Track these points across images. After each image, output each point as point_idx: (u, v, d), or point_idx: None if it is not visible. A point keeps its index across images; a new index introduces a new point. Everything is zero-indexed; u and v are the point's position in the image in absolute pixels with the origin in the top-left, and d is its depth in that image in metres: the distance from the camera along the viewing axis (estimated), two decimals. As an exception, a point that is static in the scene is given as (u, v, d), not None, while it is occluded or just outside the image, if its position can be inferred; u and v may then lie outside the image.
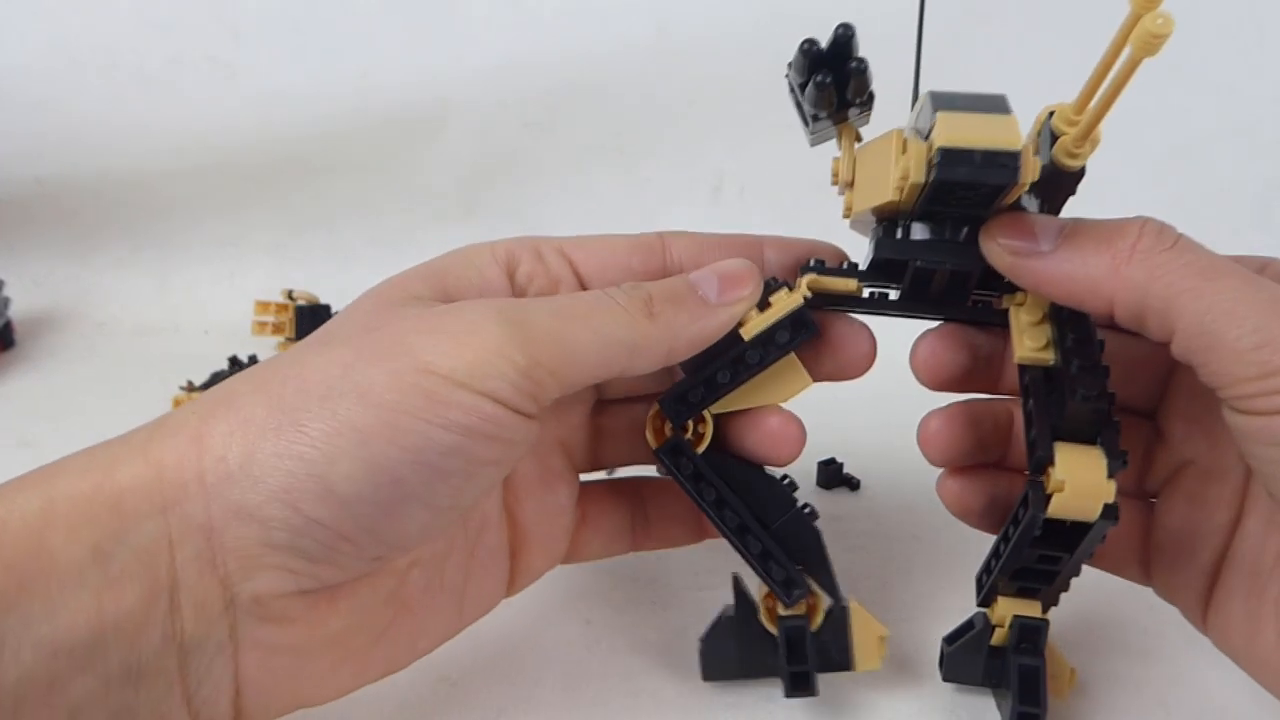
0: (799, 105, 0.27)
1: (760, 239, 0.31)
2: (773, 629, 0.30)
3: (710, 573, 0.36)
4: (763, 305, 0.28)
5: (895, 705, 0.30)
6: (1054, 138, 0.25)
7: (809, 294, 0.28)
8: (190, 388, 0.49)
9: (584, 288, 0.29)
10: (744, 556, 0.29)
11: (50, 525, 0.21)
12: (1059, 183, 0.26)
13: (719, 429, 0.30)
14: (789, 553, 0.29)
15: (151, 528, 0.21)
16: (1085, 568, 0.28)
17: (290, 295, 0.61)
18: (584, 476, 0.32)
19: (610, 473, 0.41)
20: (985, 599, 0.29)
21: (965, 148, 0.23)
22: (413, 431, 0.22)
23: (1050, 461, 0.25)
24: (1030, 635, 0.28)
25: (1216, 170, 0.63)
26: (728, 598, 0.31)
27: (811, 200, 0.68)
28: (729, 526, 0.29)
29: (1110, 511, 0.25)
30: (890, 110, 0.28)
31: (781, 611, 0.29)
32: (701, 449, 0.29)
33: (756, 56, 0.66)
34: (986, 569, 0.29)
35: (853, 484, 0.44)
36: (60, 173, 0.68)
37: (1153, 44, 0.21)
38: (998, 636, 0.29)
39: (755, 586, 0.30)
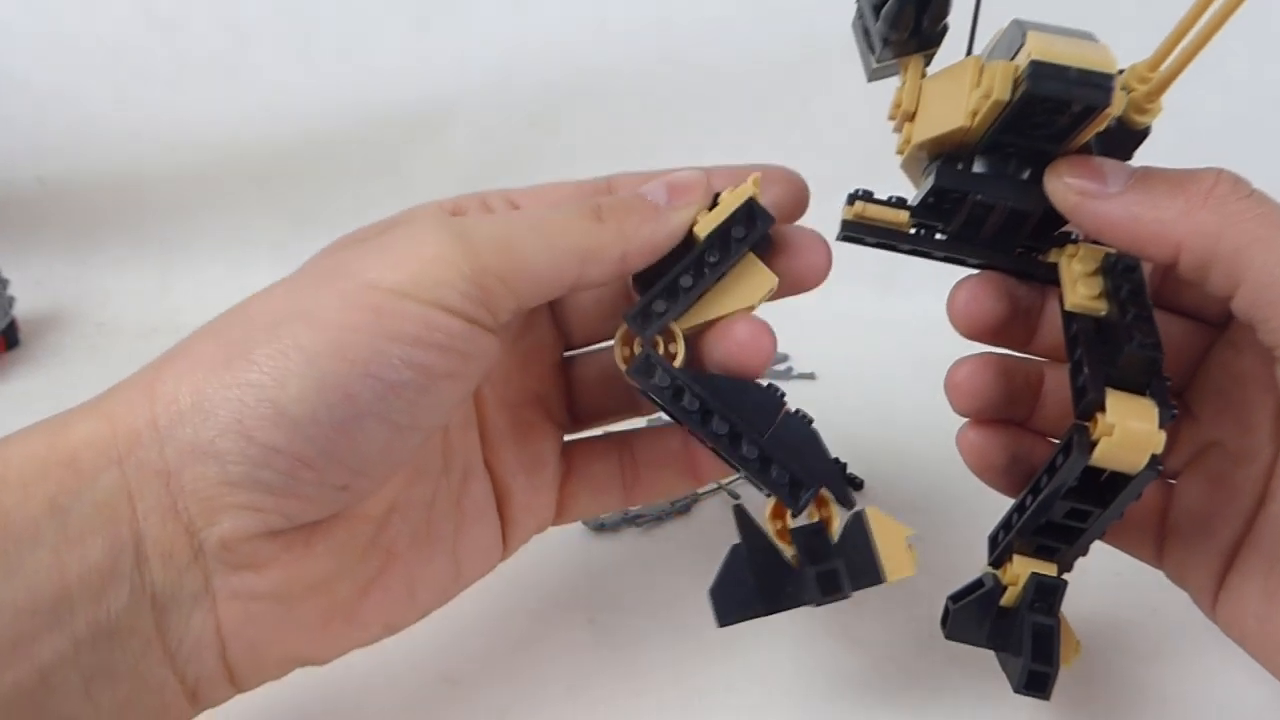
0: (866, 33, 0.27)
1: (706, 171, 0.30)
2: (788, 549, 0.27)
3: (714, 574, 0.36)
4: (712, 205, 0.28)
5: (899, 704, 0.30)
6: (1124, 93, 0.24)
7: (755, 189, 0.28)
8: (193, 387, 0.49)
9: None
10: (740, 467, 0.27)
11: (2, 484, 0.20)
12: (1121, 141, 0.25)
13: (690, 350, 0.28)
14: (795, 463, 0.27)
15: (109, 479, 0.21)
16: (1094, 551, 0.28)
17: (293, 295, 0.61)
18: (574, 436, 0.32)
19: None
20: (998, 558, 0.28)
21: (1060, 63, 0.22)
22: (360, 345, 0.22)
23: (1100, 406, 0.24)
24: (1047, 594, 0.27)
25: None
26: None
27: (813, 200, 0.68)
28: (719, 433, 0.26)
29: (1155, 463, 0.24)
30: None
31: (793, 524, 0.27)
32: (677, 364, 0.27)
33: (759, 57, 0.66)
34: (1005, 526, 0.28)
35: (856, 484, 0.43)
36: (63, 172, 0.68)
37: None
38: (1008, 597, 0.28)
39: (759, 515, 0.28)
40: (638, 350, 0.27)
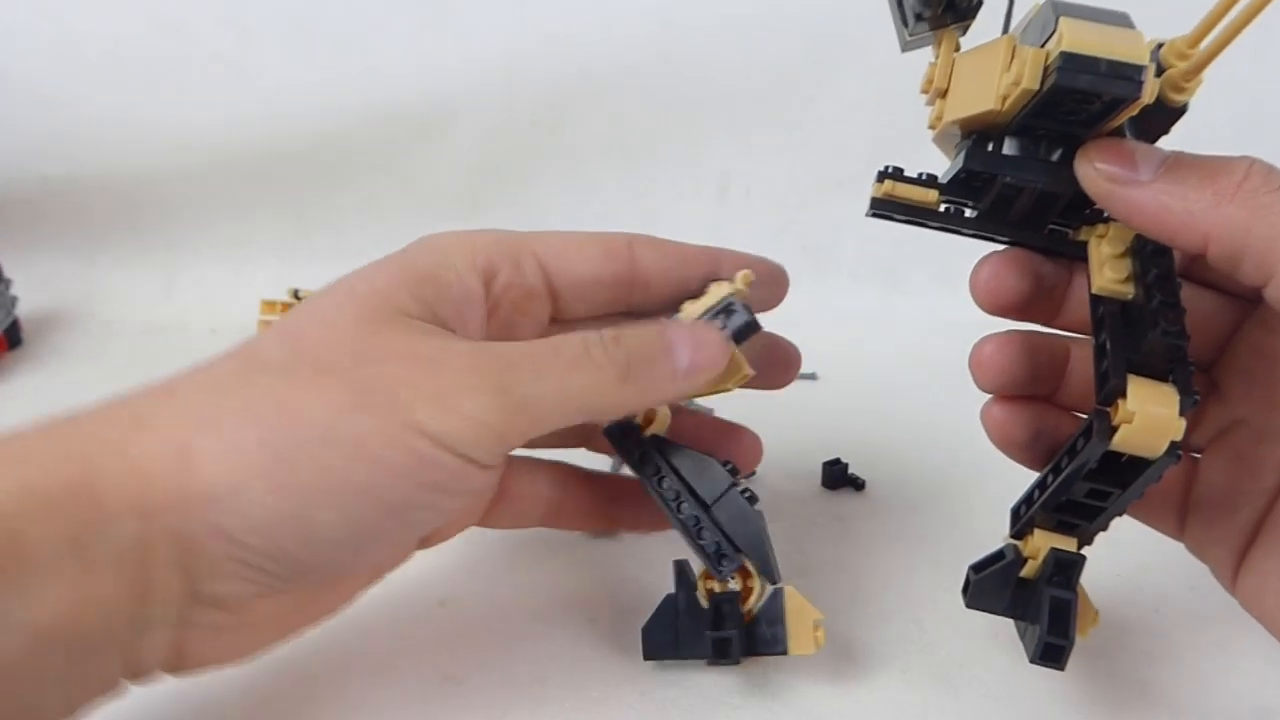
0: (900, 4, 0.27)
1: (718, 254, 0.32)
2: (704, 602, 0.30)
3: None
4: (699, 295, 0.29)
5: (900, 705, 0.30)
6: (1160, 71, 0.24)
7: (744, 286, 0.29)
8: (196, 387, 0.49)
9: (556, 301, 0.31)
10: (679, 527, 0.30)
11: (26, 515, 0.21)
12: (1158, 118, 0.25)
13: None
14: (730, 535, 0.30)
15: (130, 527, 0.22)
16: (1115, 531, 0.28)
17: (296, 295, 0.61)
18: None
19: (616, 469, 0.41)
20: (1020, 531, 0.29)
21: (1091, 55, 0.22)
22: (397, 490, 0.24)
23: (1122, 393, 0.24)
24: (1065, 569, 0.27)
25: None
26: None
27: (815, 200, 0.69)
28: (666, 496, 0.30)
29: (1174, 450, 0.24)
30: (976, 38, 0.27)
31: (716, 589, 0.30)
32: (648, 433, 0.31)
33: (763, 57, 0.66)
34: (1027, 500, 0.29)
35: (858, 484, 0.43)
36: (67, 171, 0.68)
37: None
38: (1028, 569, 0.28)
39: (698, 570, 0.31)
40: None
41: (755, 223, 0.68)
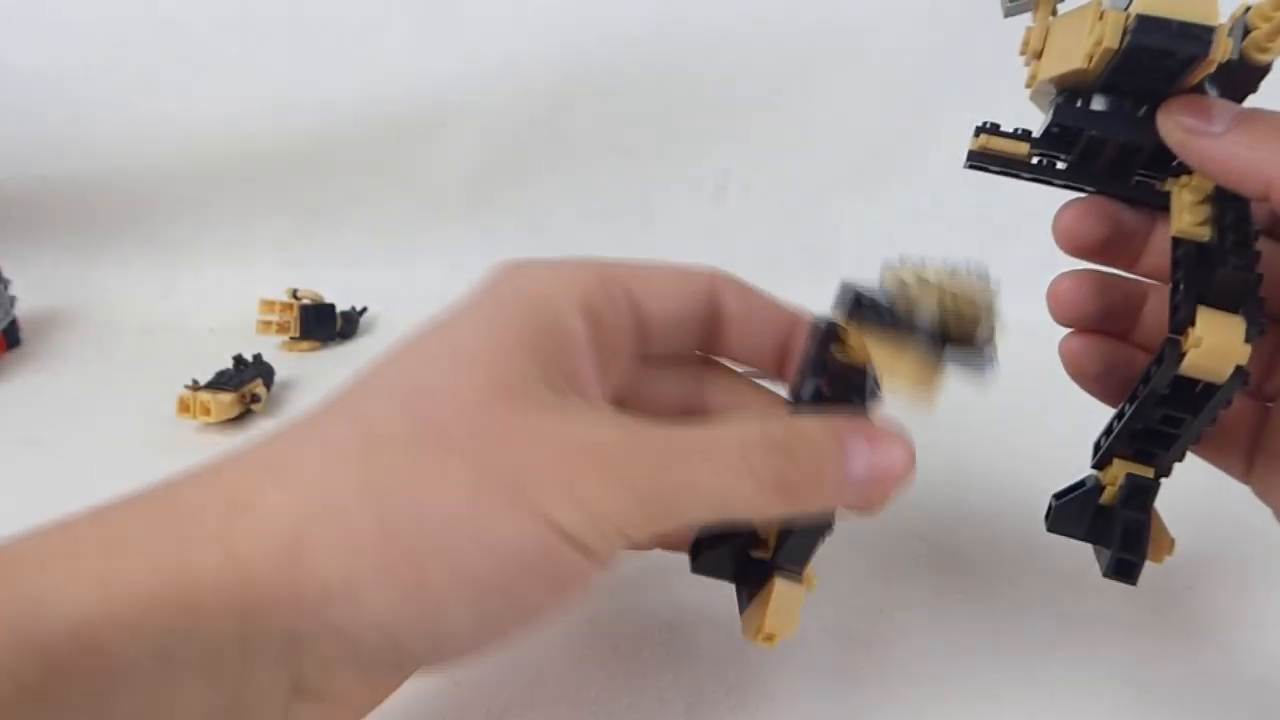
0: None
1: (798, 316, 0.30)
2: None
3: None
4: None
5: (900, 704, 0.30)
6: (1246, 32, 0.26)
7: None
8: (195, 386, 0.49)
9: (644, 339, 0.28)
10: None
11: (107, 614, 0.19)
12: (1244, 76, 0.27)
13: None
14: None
15: (228, 630, 0.20)
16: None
17: (295, 294, 0.61)
18: None
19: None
20: (1100, 461, 0.30)
21: (1164, 16, 0.25)
22: (526, 592, 0.22)
23: (1191, 322, 0.26)
24: (1140, 493, 0.29)
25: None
26: (733, 597, 0.31)
27: (816, 199, 0.69)
28: None
29: (1240, 374, 0.26)
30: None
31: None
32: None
33: (762, 57, 0.66)
34: (1107, 431, 0.30)
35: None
36: (65, 172, 0.68)
37: None
38: (1106, 495, 0.29)
39: None
40: None
41: (755, 222, 0.68)
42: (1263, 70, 0.27)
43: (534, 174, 0.69)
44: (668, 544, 0.31)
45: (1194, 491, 0.30)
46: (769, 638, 0.27)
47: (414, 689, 0.30)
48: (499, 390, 0.23)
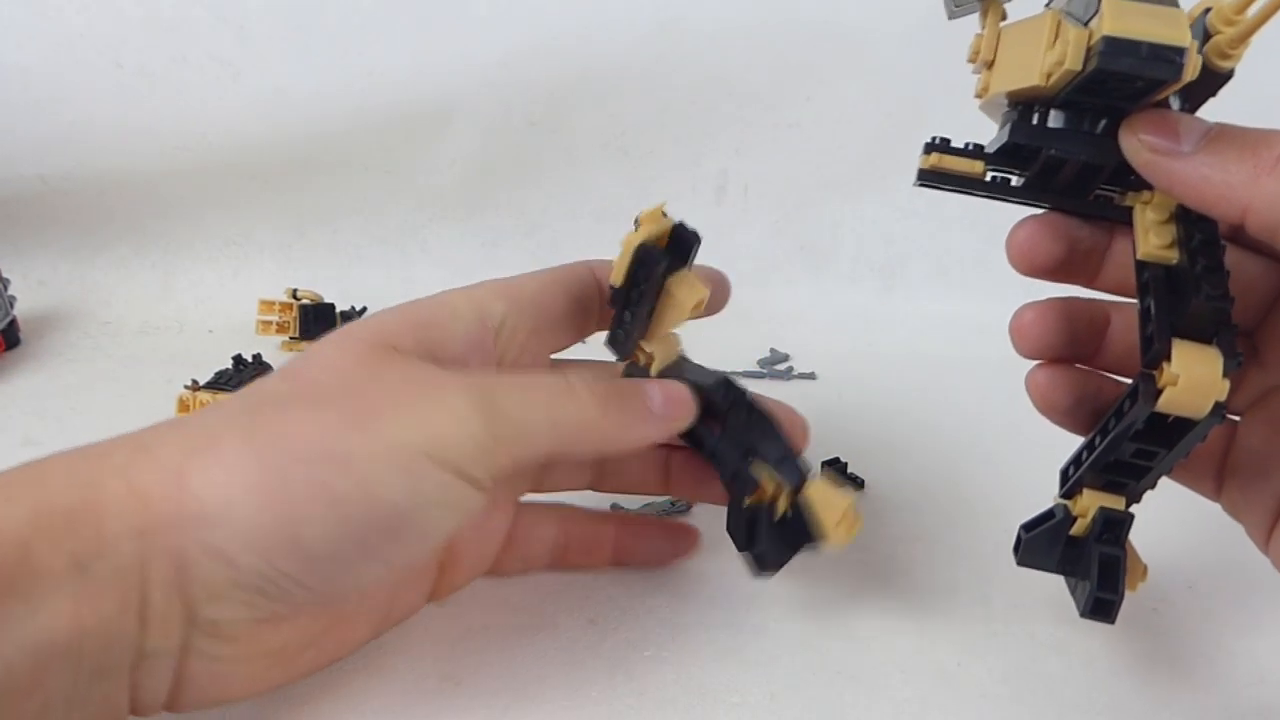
0: None
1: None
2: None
3: (715, 573, 0.36)
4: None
5: (900, 704, 0.30)
6: (1206, 35, 0.24)
7: (668, 222, 0.30)
8: (195, 386, 0.49)
9: (554, 329, 0.32)
10: (706, 457, 0.31)
11: (37, 534, 0.22)
12: (1204, 82, 0.25)
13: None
14: (745, 444, 0.31)
15: (128, 548, 0.23)
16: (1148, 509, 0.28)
17: (294, 294, 0.61)
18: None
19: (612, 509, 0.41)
20: (1069, 491, 0.29)
21: (1132, 38, 0.23)
22: (383, 500, 0.24)
23: (1167, 356, 0.25)
24: (1114, 527, 0.28)
25: None
26: (733, 597, 0.31)
27: (815, 199, 0.69)
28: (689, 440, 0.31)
29: (1219, 410, 0.25)
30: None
31: (746, 501, 0.31)
32: (654, 371, 0.32)
33: (761, 56, 0.66)
34: (1076, 461, 0.29)
35: (857, 484, 0.43)
36: (65, 171, 0.68)
37: None
38: (1078, 527, 0.29)
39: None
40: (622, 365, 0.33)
41: (753, 222, 0.68)
42: (1224, 77, 0.25)
43: (533, 174, 0.69)
44: (624, 486, 0.36)
45: (1169, 505, 0.30)
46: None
47: (414, 689, 0.30)
48: (369, 356, 0.27)
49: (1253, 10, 0.23)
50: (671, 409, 0.30)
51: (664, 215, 0.30)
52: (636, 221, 0.30)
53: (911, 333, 0.60)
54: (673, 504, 0.41)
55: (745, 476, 0.30)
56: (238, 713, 0.29)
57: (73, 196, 0.68)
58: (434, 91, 0.67)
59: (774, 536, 0.31)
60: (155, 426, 0.26)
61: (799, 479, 0.30)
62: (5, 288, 0.60)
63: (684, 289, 0.31)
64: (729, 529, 0.32)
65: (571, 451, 0.29)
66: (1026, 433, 0.33)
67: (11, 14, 0.64)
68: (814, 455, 0.44)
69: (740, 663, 0.32)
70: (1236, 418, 0.30)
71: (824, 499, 0.30)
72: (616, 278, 0.30)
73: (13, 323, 0.60)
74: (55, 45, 0.65)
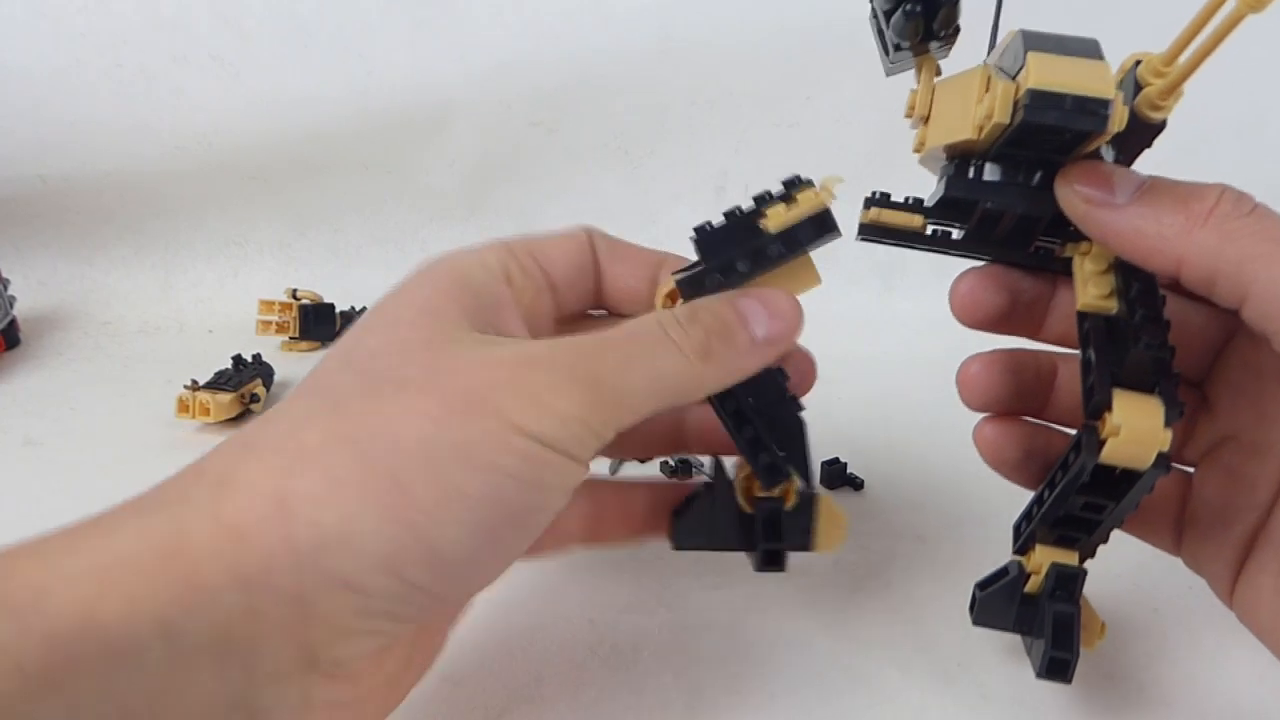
0: (880, 33, 0.27)
1: (664, 258, 0.31)
2: (747, 508, 0.30)
3: (715, 573, 0.36)
4: (788, 199, 0.28)
5: (899, 703, 0.30)
6: (1138, 87, 0.24)
7: (834, 195, 0.28)
8: (195, 386, 0.49)
9: (555, 295, 0.30)
10: (735, 440, 0.29)
11: (105, 595, 0.19)
12: (1137, 134, 0.25)
13: None
14: (773, 438, 0.29)
15: (231, 601, 0.20)
16: (1115, 536, 0.28)
17: (294, 294, 0.61)
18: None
19: (613, 470, 0.41)
20: (1022, 547, 0.29)
21: (1056, 91, 0.23)
22: (515, 493, 0.23)
23: (1108, 407, 0.25)
24: (1066, 583, 0.28)
25: (1225, 170, 0.63)
26: (733, 597, 0.31)
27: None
28: (726, 410, 0.29)
29: (1163, 461, 0.25)
30: (965, 50, 0.27)
31: (758, 493, 0.30)
32: None
33: (760, 57, 0.66)
34: (1026, 516, 0.29)
35: (856, 484, 0.43)
36: (64, 171, 0.68)
37: (1260, 1, 0.20)
38: (1031, 584, 0.28)
39: (732, 469, 0.31)
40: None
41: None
42: (1157, 128, 0.25)
43: (533, 174, 0.69)
44: (633, 449, 0.33)
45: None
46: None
47: (418, 689, 0.30)
48: (434, 336, 0.25)
49: (1180, 60, 0.23)
50: (780, 330, 0.27)
51: (832, 195, 0.28)
52: (810, 183, 0.28)
53: (911, 333, 0.60)
54: (673, 467, 0.41)
55: (778, 467, 0.29)
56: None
57: (73, 196, 0.68)
58: (434, 91, 0.67)
59: (788, 534, 0.30)
60: (224, 454, 0.23)
61: (813, 489, 0.30)
62: (5, 288, 0.60)
63: (808, 269, 0.29)
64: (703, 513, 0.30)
65: (672, 406, 0.26)
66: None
67: (11, 14, 0.64)
68: (814, 455, 0.44)
69: (740, 663, 0.32)
70: (1189, 469, 0.30)
71: (829, 509, 0.30)
72: (773, 222, 0.27)
73: (13, 323, 0.60)
74: (55, 45, 0.65)
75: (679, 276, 0.28)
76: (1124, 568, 0.36)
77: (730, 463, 0.31)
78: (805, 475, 0.30)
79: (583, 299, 0.31)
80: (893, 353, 0.58)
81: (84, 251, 0.69)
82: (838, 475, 0.43)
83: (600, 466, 0.38)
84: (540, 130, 0.68)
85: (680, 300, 0.28)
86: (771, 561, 0.30)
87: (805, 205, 0.28)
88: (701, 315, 0.26)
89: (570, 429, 0.23)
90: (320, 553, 0.21)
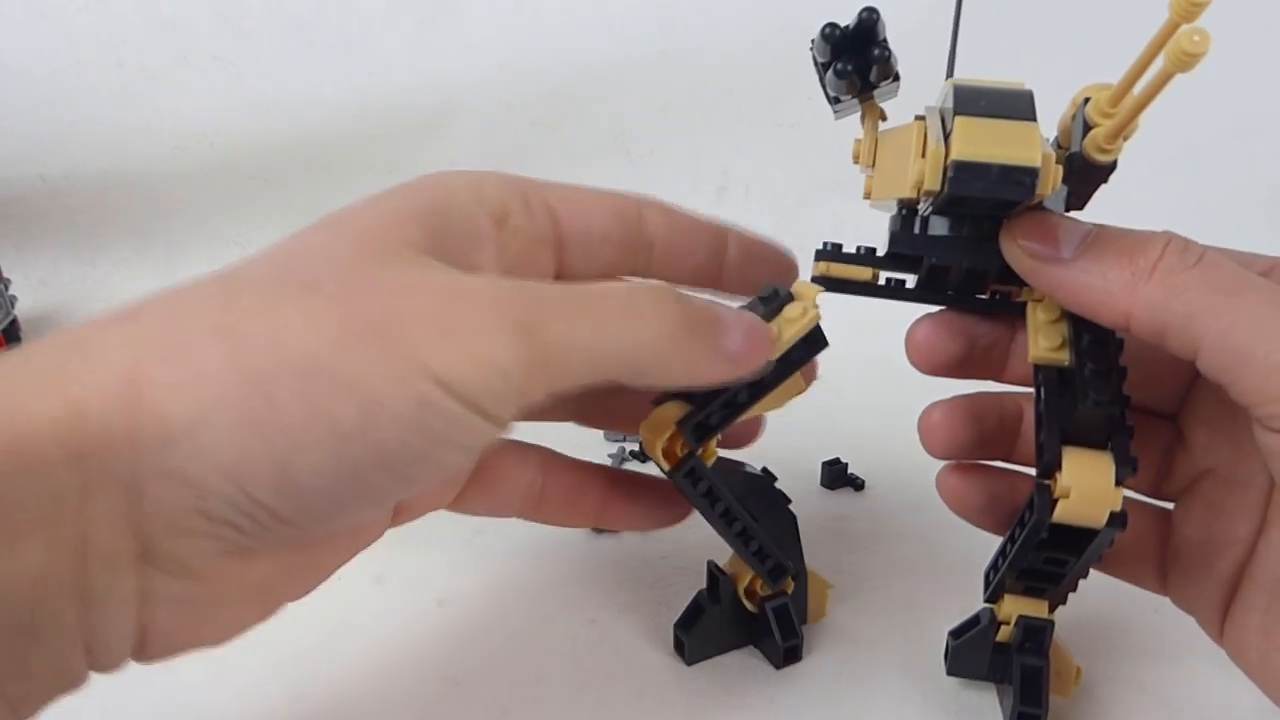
0: (822, 82, 0.27)
1: (726, 229, 0.31)
2: (750, 607, 0.31)
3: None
4: (770, 315, 0.27)
5: (899, 703, 0.30)
6: (1086, 127, 0.24)
7: (819, 312, 0.28)
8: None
9: (562, 253, 0.28)
10: (741, 554, 0.30)
11: None
12: (1089, 173, 0.25)
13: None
14: (776, 544, 0.31)
15: (63, 475, 0.18)
16: (1095, 571, 0.28)
17: (295, 294, 0.61)
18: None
19: (619, 462, 0.41)
20: (992, 595, 0.29)
21: (981, 162, 0.23)
22: (394, 438, 0.20)
23: (1058, 466, 0.25)
24: (1035, 635, 0.28)
25: (1225, 171, 0.63)
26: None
27: (815, 199, 0.68)
28: (734, 532, 0.29)
29: (1116, 520, 0.24)
30: (924, 80, 0.27)
31: (763, 591, 0.31)
32: (710, 464, 0.29)
33: (760, 57, 0.66)
34: (994, 566, 0.29)
35: (857, 484, 0.43)
36: (65, 171, 0.68)
37: (1187, 62, 0.20)
38: (1004, 633, 0.28)
39: (725, 565, 0.33)
40: (679, 452, 0.28)
41: (754, 222, 0.67)
42: (1107, 169, 0.25)
43: (534, 174, 0.69)
44: (555, 413, 0.31)
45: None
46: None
47: (414, 689, 0.30)
48: (375, 248, 0.22)
49: (1124, 105, 0.23)
50: (748, 352, 0.25)
51: (818, 312, 0.28)
52: (791, 294, 0.28)
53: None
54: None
55: (784, 567, 0.30)
56: (235, 713, 0.29)
57: (73, 196, 0.68)
58: (435, 91, 0.67)
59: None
60: (103, 318, 0.21)
61: (803, 580, 0.32)
62: (6, 287, 0.60)
63: (795, 379, 0.29)
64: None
65: (617, 383, 0.23)
66: (1026, 433, 0.33)
67: (11, 14, 0.64)
68: (814, 455, 0.44)
69: (740, 664, 0.32)
70: (1169, 505, 0.30)
71: (817, 584, 0.33)
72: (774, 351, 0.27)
73: (13, 322, 0.60)
74: (55, 45, 0.65)
75: (685, 423, 0.27)
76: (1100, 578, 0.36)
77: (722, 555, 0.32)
78: (798, 562, 0.32)
79: (598, 268, 0.29)
80: (893, 353, 0.58)
81: (85, 251, 0.69)
82: (838, 476, 0.43)
83: (601, 458, 0.38)
84: (541, 131, 0.68)
85: (676, 444, 0.28)
86: (792, 656, 0.32)
87: (796, 326, 0.27)
88: (680, 296, 0.24)
89: (489, 380, 0.20)
90: (162, 445, 0.19)
